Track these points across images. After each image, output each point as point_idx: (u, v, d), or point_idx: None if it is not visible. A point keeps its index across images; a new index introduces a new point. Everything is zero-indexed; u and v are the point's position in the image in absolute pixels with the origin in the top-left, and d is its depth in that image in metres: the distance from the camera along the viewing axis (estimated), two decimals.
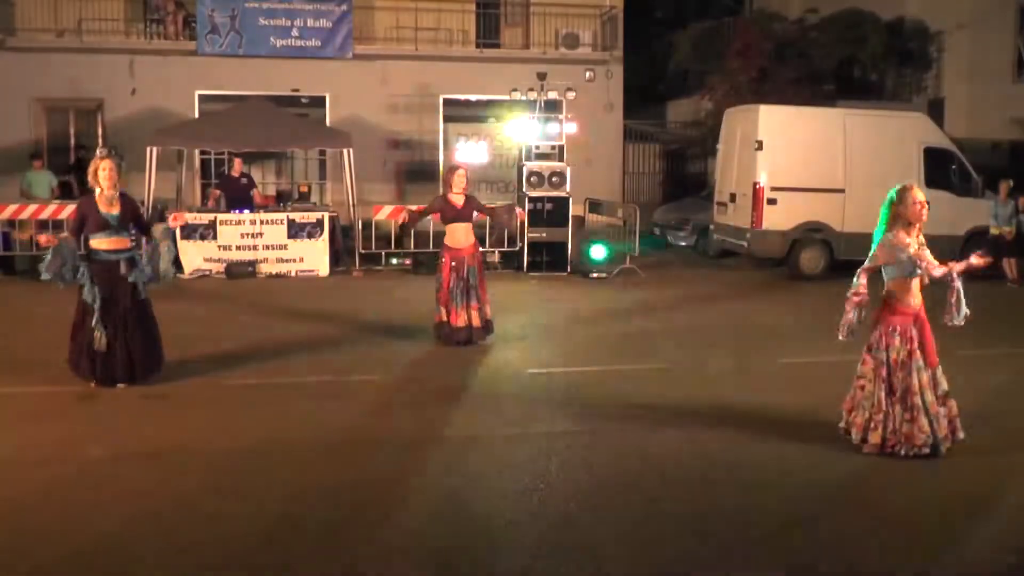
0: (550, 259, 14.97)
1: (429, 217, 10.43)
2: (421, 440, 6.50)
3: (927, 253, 6.03)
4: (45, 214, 14.36)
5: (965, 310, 6.08)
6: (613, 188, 21.43)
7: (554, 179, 15.19)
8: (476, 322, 9.43)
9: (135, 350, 7.60)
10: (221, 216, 14.82)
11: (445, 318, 9.39)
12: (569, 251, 15.26)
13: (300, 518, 5.08)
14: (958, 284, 6.05)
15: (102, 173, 7.50)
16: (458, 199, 9.50)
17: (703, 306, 12.58)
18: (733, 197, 15.94)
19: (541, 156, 15.39)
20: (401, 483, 5.65)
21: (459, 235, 9.49)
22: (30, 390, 7.57)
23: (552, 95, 15.85)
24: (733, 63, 20.80)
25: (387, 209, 15.89)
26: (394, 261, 15.87)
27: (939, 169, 15.48)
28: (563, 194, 15.17)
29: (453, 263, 9.36)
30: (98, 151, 7.89)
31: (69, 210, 14.14)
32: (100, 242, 7.53)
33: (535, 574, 4.52)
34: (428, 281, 14.38)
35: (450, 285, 9.33)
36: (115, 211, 7.52)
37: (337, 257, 15.31)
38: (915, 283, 6.09)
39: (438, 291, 9.45)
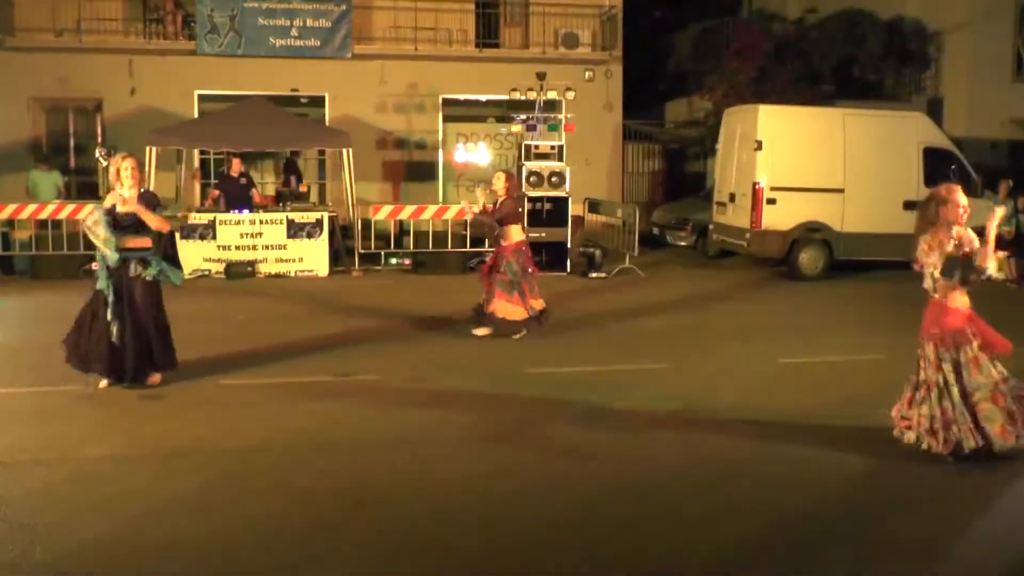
0: (549, 259, 14.97)
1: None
2: (421, 440, 6.50)
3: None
4: (44, 214, 14.34)
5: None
6: (612, 188, 21.45)
7: (553, 179, 15.19)
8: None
9: (152, 347, 7.61)
10: (220, 216, 14.82)
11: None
12: (568, 251, 15.27)
13: (300, 518, 5.08)
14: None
15: (125, 172, 7.49)
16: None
17: (703, 306, 12.57)
18: (732, 197, 15.94)
19: (540, 156, 15.38)
20: (401, 484, 5.65)
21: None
22: (30, 390, 7.57)
23: (551, 95, 15.86)
24: (732, 63, 20.81)
25: (386, 209, 15.88)
26: (393, 261, 15.87)
27: (938, 169, 15.47)
28: (562, 194, 15.18)
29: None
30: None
31: (69, 210, 14.17)
32: (120, 241, 7.53)
33: (534, 574, 4.53)
34: (426, 281, 14.47)
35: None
36: (132, 210, 7.52)
37: (336, 257, 15.31)
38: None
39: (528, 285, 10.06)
